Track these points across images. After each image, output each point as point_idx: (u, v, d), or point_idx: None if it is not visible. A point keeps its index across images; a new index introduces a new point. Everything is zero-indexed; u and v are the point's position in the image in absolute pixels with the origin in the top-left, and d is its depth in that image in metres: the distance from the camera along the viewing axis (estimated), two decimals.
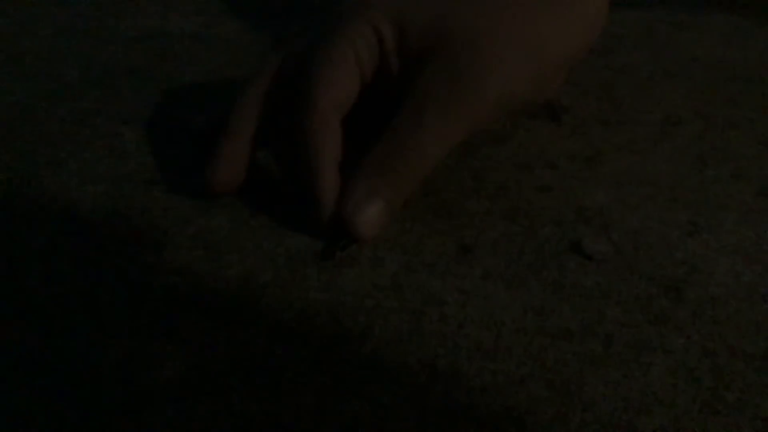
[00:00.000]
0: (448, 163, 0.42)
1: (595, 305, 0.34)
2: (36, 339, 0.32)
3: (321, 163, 0.33)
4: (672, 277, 0.35)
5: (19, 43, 0.57)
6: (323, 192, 0.33)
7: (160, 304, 0.33)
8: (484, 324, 0.32)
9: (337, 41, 0.30)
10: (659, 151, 0.44)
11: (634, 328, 0.32)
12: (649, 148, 0.45)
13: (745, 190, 0.41)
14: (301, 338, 0.32)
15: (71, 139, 0.45)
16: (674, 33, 0.59)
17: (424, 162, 0.34)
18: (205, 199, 0.39)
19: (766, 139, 0.45)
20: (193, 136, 0.42)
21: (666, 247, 0.37)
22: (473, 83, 0.33)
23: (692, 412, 0.29)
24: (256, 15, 0.60)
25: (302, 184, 0.34)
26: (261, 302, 0.33)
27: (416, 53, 0.34)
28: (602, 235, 0.37)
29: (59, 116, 0.47)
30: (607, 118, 0.47)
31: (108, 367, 0.30)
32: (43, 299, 0.33)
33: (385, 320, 0.33)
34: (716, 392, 0.30)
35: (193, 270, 0.35)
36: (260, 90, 0.36)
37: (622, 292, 0.34)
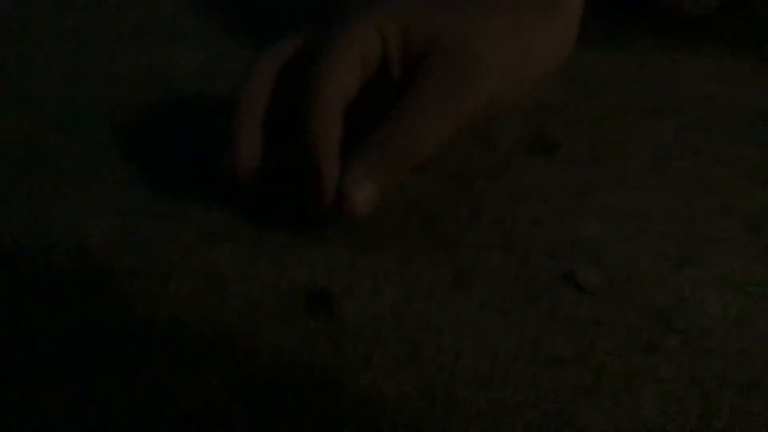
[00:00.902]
0: (446, 196, 0.43)
1: (587, 335, 0.35)
2: (41, 367, 0.33)
3: (324, 149, 0.35)
4: (662, 308, 0.36)
5: (28, 78, 0.58)
6: (325, 175, 0.35)
7: (166, 334, 0.34)
8: (480, 353, 0.33)
9: (342, 36, 0.33)
10: (650, 185, 0.46)
11: (625, 358, 0.33)
12: (639, 183, 0.46)
13: (734, 224, 0.42)
14: (302, 367, 0.33)
15: (79, 173, 0.46)
16: (665, 71, 0.61)
17: (418, 150, 0.36)
18: (210, 231, 0.40)
19: (754, 174, 0.47)
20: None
21: (656, 278, 0.38)
22: (468, 79, 0.36)
23: None
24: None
25: (303, 171, 0.36)
26: (264, 332, 0.34)
27: (417, 55, 0.36)
28: (595, 267, 0.39)
29: (68, 151, 0.48)
30: (599, 154, 0.48)
31: (113, 397, 0.31)
32: (50, 330, 0.34)
33: (385, 349, 0.34)
34: (705, 420, 0.31)
35: (197, 300, 0.36)
36: (267, 72, 0.37)
37: (613, 323, 0.35)
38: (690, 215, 0.43)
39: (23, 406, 0.30)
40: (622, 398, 0.31)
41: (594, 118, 0.52)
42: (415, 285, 0.37)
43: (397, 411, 0.30)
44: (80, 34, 0.65)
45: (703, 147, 0.50)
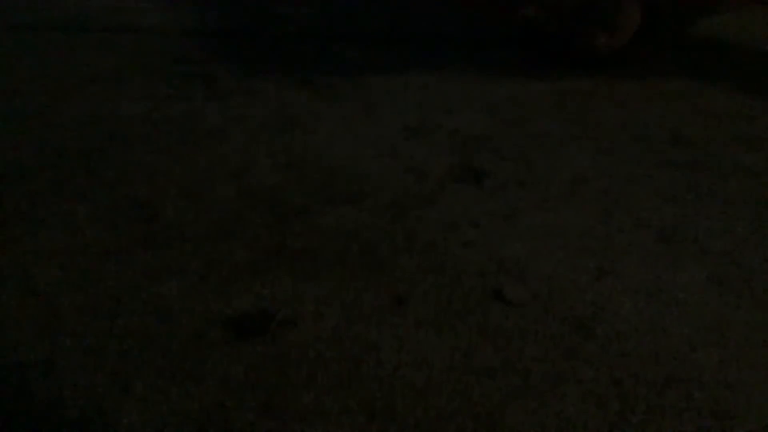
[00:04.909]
0: (382, 224, 0.46)
1: (515, 344, 0.37)
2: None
3: None
4: (582, 316, 0.39)
5: None
6: None
7: (116, 366, 0.36)
8: (417, 366, 0.36)
9: None
10: (569, 206, 0.50)
11: (549, 363, 0.36)
12: (560, 204, 0.50)
13: (646, 237, 0.46)
14: (249, 389, 0.35)
15: (26, 217, 0.47)
16: (582, 101, 0.65)
17: None
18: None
19: (664, 192, 0.51)
20: None
21: (576, 290, 0.41)
22: None
23: None
24: (202, 97, 0.64)
25: None
26: (211, 358, 0.36)
27: None
28: (520, 283, 0.42)
29: (14, 197, 0.49)
30: (523, 180, 0.52)
31: (66, 423, 0.32)
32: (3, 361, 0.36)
33: (327, 369, 0.36)
34: (623, 415, 0.34)
35: (146, 333, 0.38)
36: None
37: (538, 332, 0.38)
38: (606, 231, 0.47)
39: None
40: (547, 399, 0.34)
41: (518, 148, 0.56)
42: (355, 308, 0.39)
43: (340, 426, 0.32)
44: (25, 88, 0.66)
45: (617, 169, 0.54)
